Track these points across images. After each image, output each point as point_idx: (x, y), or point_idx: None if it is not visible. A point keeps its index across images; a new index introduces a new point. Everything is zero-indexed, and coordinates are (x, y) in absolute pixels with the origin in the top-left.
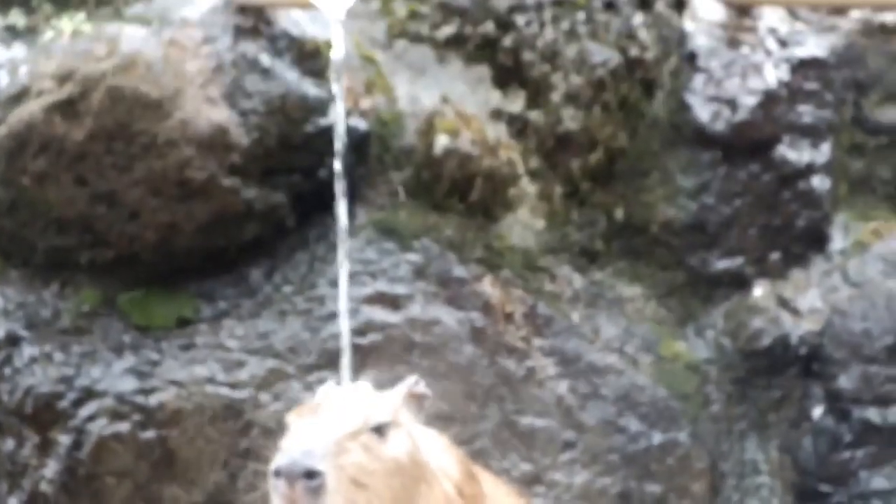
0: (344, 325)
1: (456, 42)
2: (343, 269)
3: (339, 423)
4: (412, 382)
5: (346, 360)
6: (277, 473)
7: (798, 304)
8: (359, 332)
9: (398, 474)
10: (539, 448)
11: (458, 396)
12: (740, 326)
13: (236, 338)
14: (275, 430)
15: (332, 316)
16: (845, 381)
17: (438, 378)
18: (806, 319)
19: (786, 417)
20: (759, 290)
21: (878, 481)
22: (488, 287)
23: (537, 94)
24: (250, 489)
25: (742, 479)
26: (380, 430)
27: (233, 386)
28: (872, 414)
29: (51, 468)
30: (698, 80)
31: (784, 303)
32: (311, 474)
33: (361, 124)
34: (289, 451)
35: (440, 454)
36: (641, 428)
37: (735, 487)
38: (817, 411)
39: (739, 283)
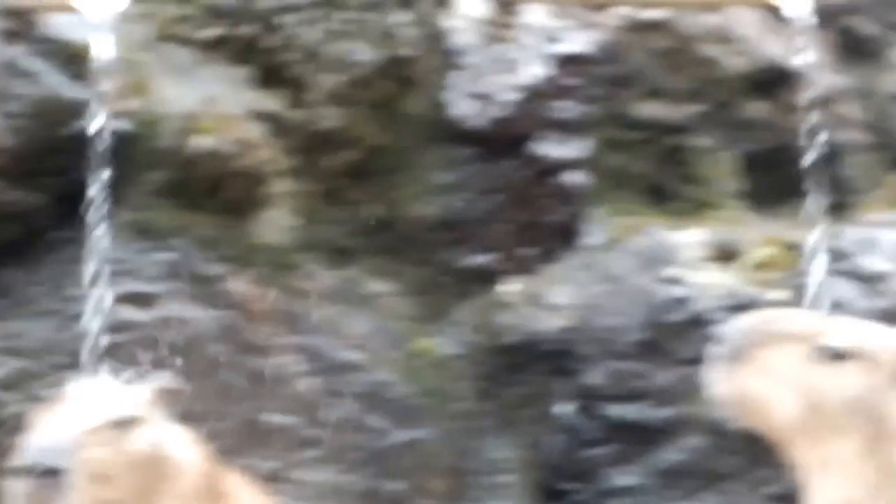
0: (93, 324)
1: (220, 44)
2: (96, 268)
3: (81, 418)
4: (160, 379)
5: (93, 359)
6: (19, 471)
7: (550, 299)
8: (110, 330)
9: (142, 470)
10: (283, 446)
11: (206, 394)
12: (490, 323)
13: None
14: (21, 429)
15: (84, 315)
16: (594, 378)
17: (187, 375)
18: (557, 315)
19: (533, 414)
20: (510, 286)
21: (624, 478)
22: (240, 285)
23: (298, 93)
24: None
25: (487, 477)
26: (124, 425)
27: None
28: (620, 410)
29: None
30: (459, 77)
31: (535, 299)
32: (51, 471)
33: (123, 126)
34: (29, 448)
35: (186, 451)
36: (386, 425)
37: (480, 485)
38: (565, 408)
39: (490, 278)
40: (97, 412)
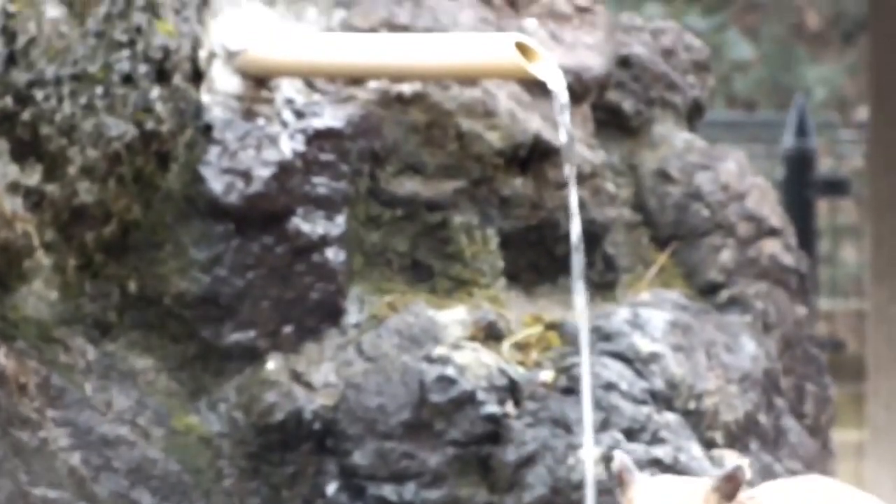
0: None
1: None
2: None
3: None
4: None
5: None
6: None
7: (312, 378)
8: None
9: None
10: None
11: None
12: (253, 400)
13: None
14: None
15: None
16: (360, 457)
17: None
18: (320, 394)
19: (299, 494)
20: (272, 364)
21: None
22: (2, 358)
23: (54, 167)
24: None
25: None
26: None
27: None
28: (388, 491)
29: None
30: (213, 153)
31: (297, 377)
32: None
33: None
34: None
35: None
36: (154, 501)
37: None
38: (331, 488)
39: (252, 356)
40: None
